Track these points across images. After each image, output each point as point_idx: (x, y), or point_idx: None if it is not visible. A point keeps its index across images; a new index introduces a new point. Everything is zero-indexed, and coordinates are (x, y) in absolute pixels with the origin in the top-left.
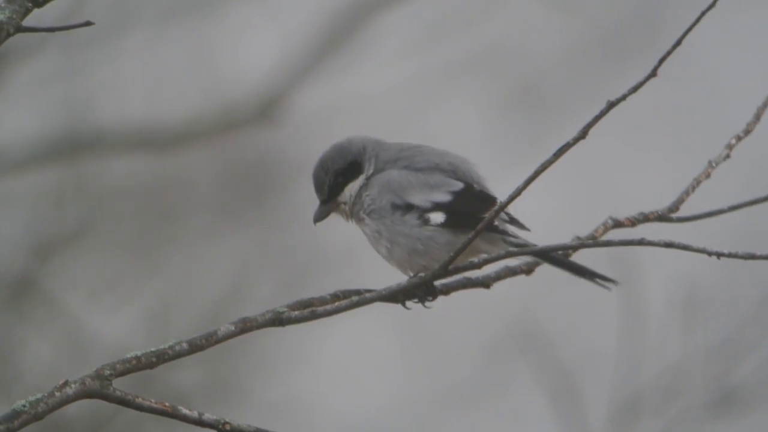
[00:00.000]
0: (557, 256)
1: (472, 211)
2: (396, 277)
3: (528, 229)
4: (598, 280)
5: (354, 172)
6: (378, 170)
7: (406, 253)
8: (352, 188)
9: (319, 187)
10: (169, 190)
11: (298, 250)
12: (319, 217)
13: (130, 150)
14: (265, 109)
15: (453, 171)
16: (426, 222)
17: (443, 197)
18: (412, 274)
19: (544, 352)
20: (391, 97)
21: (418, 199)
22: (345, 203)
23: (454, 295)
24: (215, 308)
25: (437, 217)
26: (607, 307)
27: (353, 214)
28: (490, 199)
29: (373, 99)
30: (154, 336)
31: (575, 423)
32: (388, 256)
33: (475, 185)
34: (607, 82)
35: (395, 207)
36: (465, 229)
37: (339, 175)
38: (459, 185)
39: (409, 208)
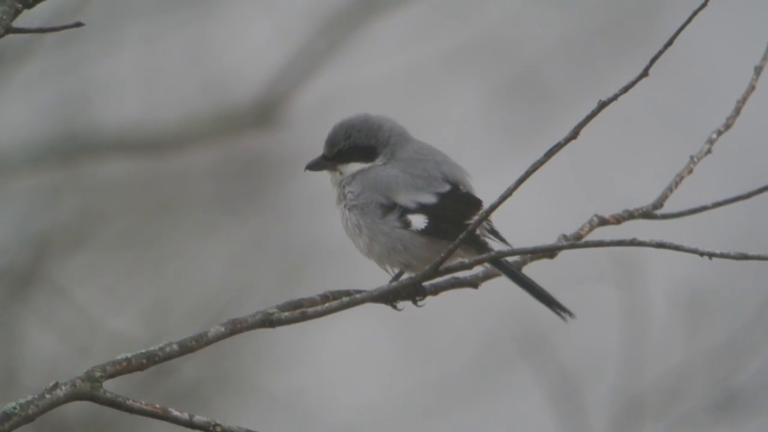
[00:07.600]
0: (525, 279)
1: (456, 215)
2: (387, 276)
3: (509, 244)
4: (556, 309)
5: (366, 155)
6: (382, 165)
7: (385, 250)
8: (354, 167)
9: (330, 144)
10: (165, 186)
11: (295, 246)
12: (313, 167)
13: (127, 150)
14: (263, 109)
15: (444, 176)
16: (406, 225)
17: (429, 198)
18: (389, 269)
19: (544, 353)
20: (388, 88)
21: (404, 199)
22: (342, 174)
23: (451, 294)
24: (212, 304)
25: (418, 222)
26: (609, 309)
27: (339, 191)
28: (474, 202)
29: (369, 91)
30: (152, 332)
31: (576, 425)
32: (366, 251)
33: (461, 187)
34: (604, 72)
35: (382, 207)
36: (445, 235)
37: (354, 149)
38: (446, 187)
39: (393, 207)
